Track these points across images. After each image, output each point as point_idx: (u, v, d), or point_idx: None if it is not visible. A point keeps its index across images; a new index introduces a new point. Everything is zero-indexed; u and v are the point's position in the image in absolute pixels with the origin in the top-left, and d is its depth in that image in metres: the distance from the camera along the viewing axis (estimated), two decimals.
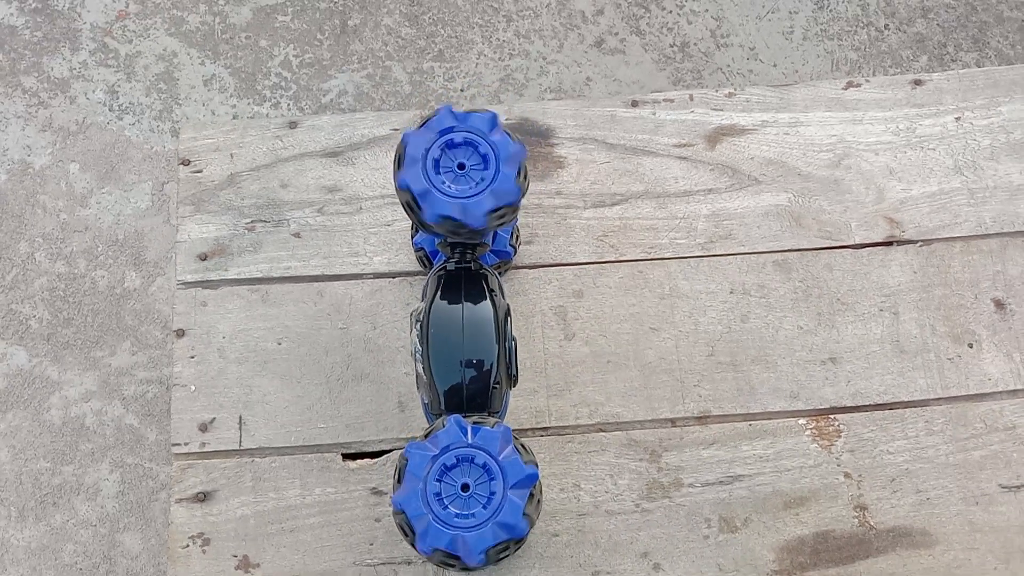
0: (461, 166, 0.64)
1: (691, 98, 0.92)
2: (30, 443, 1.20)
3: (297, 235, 0.86)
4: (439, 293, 0.68)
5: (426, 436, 0.63)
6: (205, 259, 0.85)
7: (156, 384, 1.22)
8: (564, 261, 0.86)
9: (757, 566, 0.79)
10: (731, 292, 0.86)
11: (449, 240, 0.70)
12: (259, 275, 0.84)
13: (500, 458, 0.61)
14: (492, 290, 0.69)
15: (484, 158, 0.64)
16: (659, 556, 0.79)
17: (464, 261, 0.71)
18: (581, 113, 0.91)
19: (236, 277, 0.84)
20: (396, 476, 0.63)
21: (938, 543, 0.80)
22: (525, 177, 0.66)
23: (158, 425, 1.21)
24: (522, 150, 0.65)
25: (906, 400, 0.83)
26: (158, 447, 1.20)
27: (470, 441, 0.61)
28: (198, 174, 0.87)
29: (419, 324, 0.68)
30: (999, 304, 0.86)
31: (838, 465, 0.81)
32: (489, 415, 0.67)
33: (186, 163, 0.87)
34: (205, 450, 0.80)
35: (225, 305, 0.84)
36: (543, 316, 0.85)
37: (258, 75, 1.38)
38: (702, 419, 0.83)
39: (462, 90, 1.38)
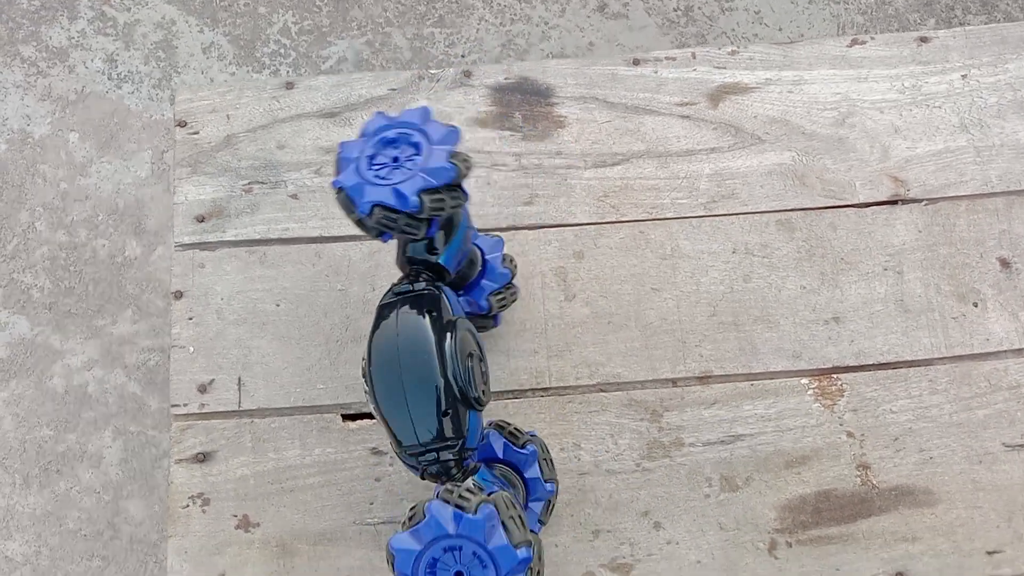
0: (395, 159, 0.63)
1: (693, 56, 0.91)
2: (33, 411, 1.20)
3: (295, 196, 0.85)
4: (375, 324, 0.63)
5: (408, 521, 0.58)
6: (203, 221, 0.84)
7: (158, 352, 1.22)
8: (564, 222, 0.86)
9: (758, 525, 0.78)
10: (733, 252, 0.85)
11: (405, 253, 0.67)
12: (257, 237, 0.84)
13: (489, 546, 0.56)
14: (433, 310, 0.63)
15: (417, 146, 0.63)
16: (660, 515, 0.78)
17: (413, 283, 0.65)
18: (582, 72, 0.90)
19: (234, 239, 0.84)
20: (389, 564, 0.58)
21: (941, 502, 0.79)
22: (464, 161, 0.64)
23: (160, 393, 1.21)
24: (454, 133, 0.63)
25: (910, 359, 0.83)
26: (160, 415, 1.21)
27: (455, 532, 0.56)
28: (195, 136, 0.87)
29: (363, 361, 0.63)
30: (1004, 263, 0.85)
31: (840, 424, 0.81)
32: (454, 442, 0.61)
33: (183, 124, 0.87)
34: (204, 411, 0.80)
35: (223, 267, 0.84)
36: (543, 277, 0.84)
37: (257, 42, 1.37)
38: (703, 379, 0.82)
39: (463, 56, 1.37)
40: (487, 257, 0.75)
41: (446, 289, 0.66)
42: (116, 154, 1.31)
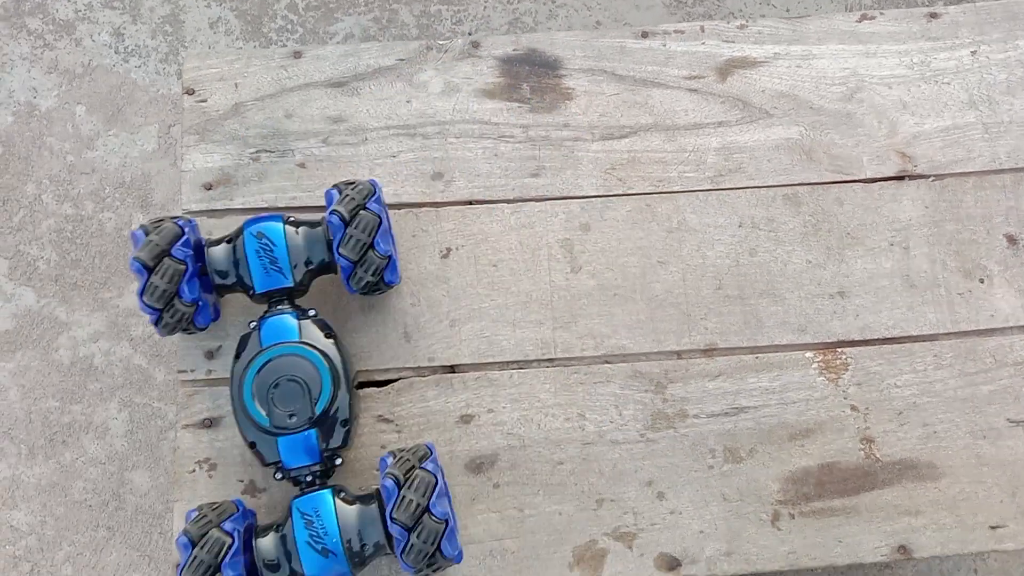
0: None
1: (702, 30, 0.91)
2: (39, 382, 1.21)
3: (302, 165, 0.85)
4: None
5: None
6: (210, 188, 0.84)
7: None
8: (571, 194, 0.86)
9: (761, 496, 0.79)
10: (740, 226, 0.85)
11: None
12: (264, 205, 0.84)
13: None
14: (240, 349, 0.74)
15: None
16: (663, 485, 0.79)
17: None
18: (590, 44, 0.90)
19: (241, 206, 0.84)
20: None
21: (944, 476, 0.80)
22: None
23: (166, 365, 1.22)
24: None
25: (915, 334, 0.83)
26: (166, 387, 1.21)
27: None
28: (203, 104, 0.86)
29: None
30: (1011, 240, 0.85)
31: (845, 398, 0.81)
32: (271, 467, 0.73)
33: (190, 92, 0.87)
34: (212, 377, 0.80)
35: None
36: (549, 249, 0.84)
37: (264, 18, 1.37)
38: (708, 352, 0.82)
39: (470, 34, 1.37)
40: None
41: (266, 321, 0.74)
42: (123, 128, 1.31)
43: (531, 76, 0.88)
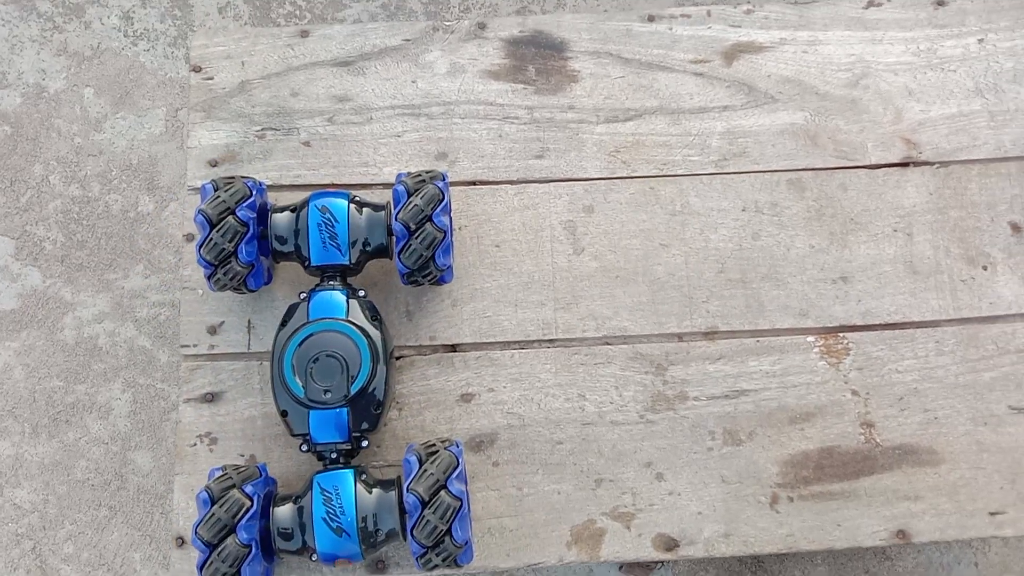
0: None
1: (708, 14, 0.91)
2: (44, 362, 1.21)
3: (307, 144, 0.85)
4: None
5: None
6: (215, 165, 0.85)
7: (168, 307, 1.23)
8: (575, 176, 0.86)
9: (760, 479, 0.79)
10: (743, 210, 0.85)
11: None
12: (269, 183, 0.84)
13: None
14: (285, 320, 0.74)
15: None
16: (662, 466, 0.79)
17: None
18: (596, 27, 0.90)
19: None
20: None
21: (944, 462, 0.79)
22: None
23: (170, 347, 1.22)
24: None
25: (917, 320, 0.83)
26: (170, 368, 1.21)
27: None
28: (209, 81, 0.87)
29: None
30: (1015, 227, 0.85)
31: (845, 382, 0.81)
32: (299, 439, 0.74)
33: (197, 70, 0.87)
34: (214, 352, 0.80)
35: None
36: (552, 230, 0.84)
37: (272, 3, 1.37)
38: (709, 335, 0.82)
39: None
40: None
41: (316, 294, 0.74)
42: (130, 110, 1.32)
43: (537, 58, 0.88)
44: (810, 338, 0.82)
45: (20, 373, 1.21)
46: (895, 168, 0.86)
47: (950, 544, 0.83)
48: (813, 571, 1.15)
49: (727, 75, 0.89)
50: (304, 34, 0.89)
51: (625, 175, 0.86)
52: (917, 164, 0.86)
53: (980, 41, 0.90)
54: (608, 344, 0.82)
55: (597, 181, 0.86)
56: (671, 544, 0.77)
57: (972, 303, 0.83)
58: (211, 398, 0.79)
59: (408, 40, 0.89)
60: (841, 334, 0.82)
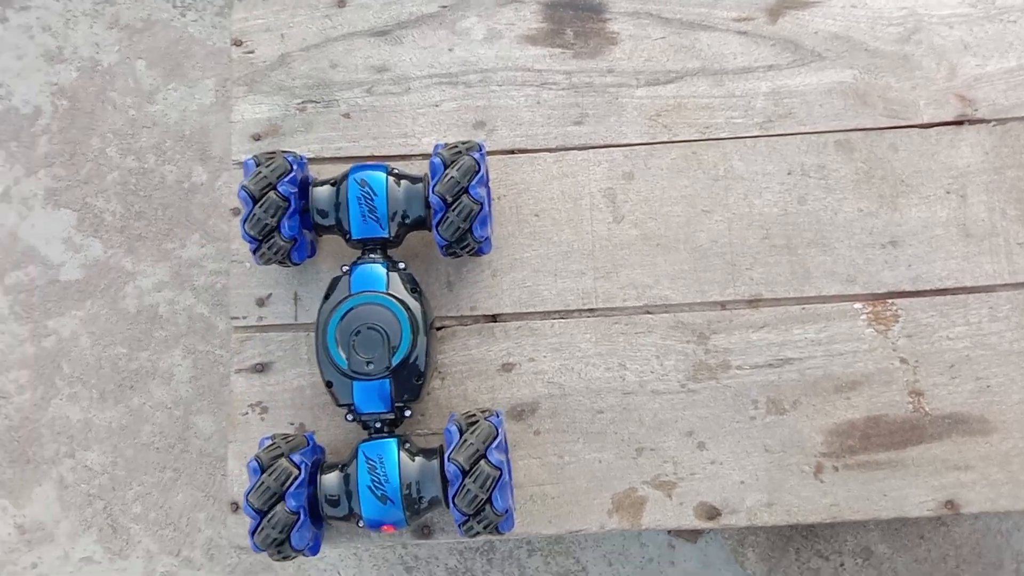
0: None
1: None
2: (108, 330, 1.26)
3: (347, 116, 0.86)
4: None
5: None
6: (259, 139, 0.86)
7: (224, 275, 1.26)
8: (614, 142, 0.85)
9: (804, 448, 0.78)
10: (789, 173, 0.83)
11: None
12: (311, 155, 0.85)
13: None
14: (328, 293, 0.76)
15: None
16: (704, 435, 0.79)
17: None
18: None
19: None
20: None
21: (996, 431, 0.78)
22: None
23: (227, 315, 1.25)
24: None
25: (970, 285, 0.80)
26: (227, 335, 1.25)
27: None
28: (250, 55, 0.88)
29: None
30: None
31: (894, 350, 0.79)
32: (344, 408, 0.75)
33: (238, 44, 0.88)
34: (262, 323, 0.82)
35: None
36: (592, 198, 0.83)
37: None
38: (753, 302, 0.81)
39: None
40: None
41: (357, 267, 0.75)
42: (181, 82, 1.34)
43: (575, 21, 0.87)
44: (857, 305, 0.80)
45: (86, 341, 1.26)
46: (949, 127, 0.83)
47: (1009, 511, 0.81)
48: (866, 536, 1.14)
49: (772, 33, 0.86)
50: (341, 3, 0.89)
51: (666, 140, 0.84)
52: (972, 122, 0.83)
53: None
54: (649, 313, 0.81)
55: (637, 147, 0.84)
56: (713, 513, 0.77)
57: None
58: (261, 368, 0.82)
59: (444, 7, 0.88)
60: (890, 300, 0.80)
